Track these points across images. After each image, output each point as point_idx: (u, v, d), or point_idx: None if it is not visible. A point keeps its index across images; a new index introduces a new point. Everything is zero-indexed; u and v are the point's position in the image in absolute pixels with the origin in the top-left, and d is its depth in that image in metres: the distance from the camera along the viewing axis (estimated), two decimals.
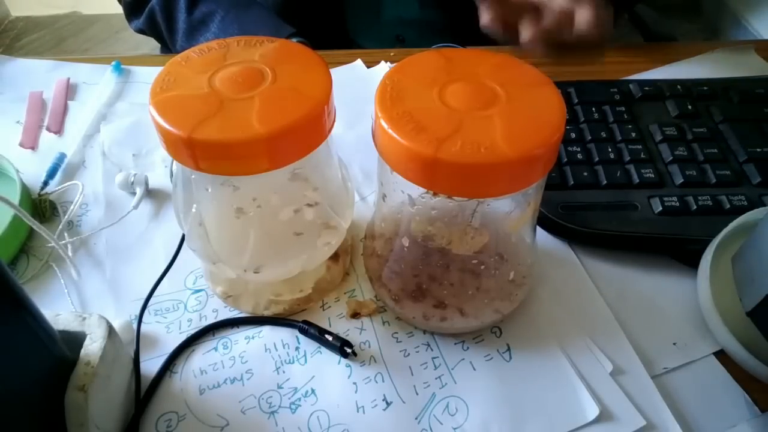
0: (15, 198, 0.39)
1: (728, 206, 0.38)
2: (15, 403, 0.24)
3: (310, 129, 0.27)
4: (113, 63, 0.53)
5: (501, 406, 0.31)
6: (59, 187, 0.42)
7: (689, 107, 0.45)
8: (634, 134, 0.43)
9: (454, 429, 0.30)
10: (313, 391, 0.32)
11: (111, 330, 0.28)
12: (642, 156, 0.41)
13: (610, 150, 0.41)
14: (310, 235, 0.32)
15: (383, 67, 0.53)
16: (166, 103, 0.26)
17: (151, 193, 0.43)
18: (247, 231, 0.32)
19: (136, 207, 0.41)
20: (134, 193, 0.42)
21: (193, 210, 0.31)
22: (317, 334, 0.33)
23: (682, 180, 0.39)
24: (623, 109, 0.45)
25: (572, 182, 0.39)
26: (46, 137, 0.47)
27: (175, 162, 0.28)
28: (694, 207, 0.38)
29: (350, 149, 0.45)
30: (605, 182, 0.39)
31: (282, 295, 0.35)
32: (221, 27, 0.55)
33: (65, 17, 1.99)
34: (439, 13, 0.64)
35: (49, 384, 0.25)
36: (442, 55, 0.29)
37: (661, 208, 0.38)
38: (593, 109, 0.45)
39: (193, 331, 0.34)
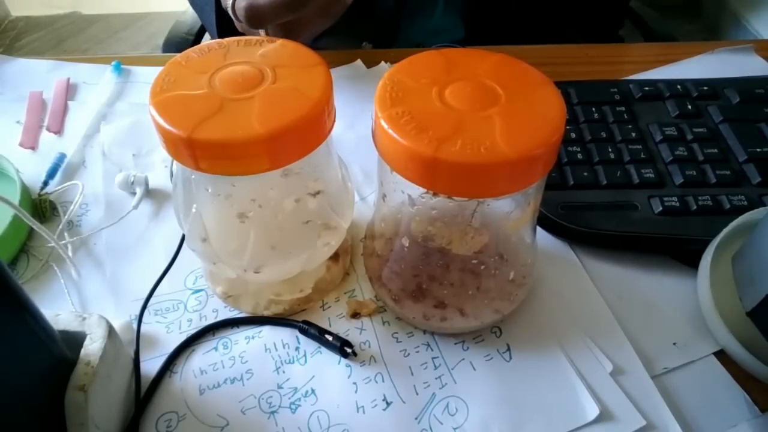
0: (15, 198, 0.39)
1: (728, 206, 0.38)
2: (15, 403, 0.24)
3: (310, 129, 0.27)
4: (113, 63, 0.53)
5: (501, 406, 0.31)
6: (59, 187, 0.42)
7: (689, 107, 0.45)
8: (634, 134, 0.43)
9: (454, 429, 0.30)
10: (313, 391, 0.32)
11: (111, 330, 0.28)
12: (642, 156, 0.41)
13: (610, 150, 0.41)
14: (316, 226, 0.32)
15: (383, 67, 0.53)
16: (166, 103, 0.26)
17: (151, 193, 0.43)
18: (247, 231, 0.32)
19: (136, 207, 0.41)
20: (134, 193, 0.42)
21: (193, 210, 0.31)
22: (317, 334, 0.33)
23: (682, 180, 0.39)
24: (623, 109, 0.45)
25: (572, 182, 0.39)
26: (46, 137, 0.47)
27: (175, 162, 0.28)
28: (694, 207, 0.38)
29: (350, 149, 0.45)
30: (605, 182, 0.39)
31: (282, 295, 0.35)
32: None
33: (65, 17, 1.99)
34: (460, 22, 0.64)
35: (49, 384, 0.25)
36: (442, 55, 0.29)
37: (661, 208, 0.38)
38: (593, 109, 0.45)
39: (193, 331, 0.34)
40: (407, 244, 0.32)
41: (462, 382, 0.32)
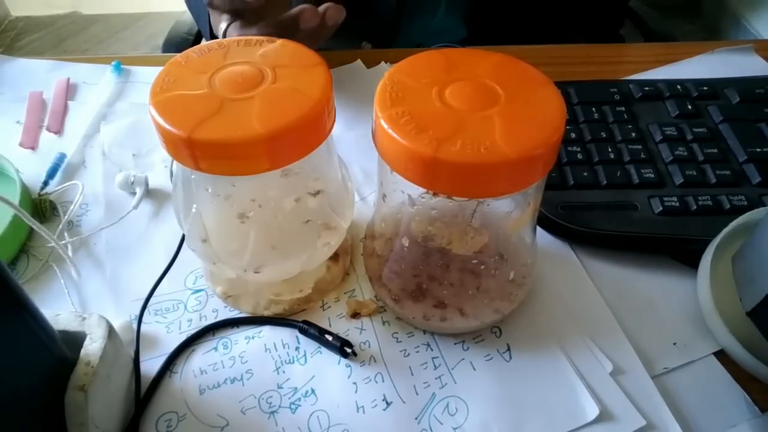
0: (15, 198, 0.39)
1: (728, 206, 0.38)
2: (15, 403, 0.24)
3: (310, 129, 0.27)
4: (113, 63, 0.53)
5: (501, 406, 0.31)
6: (59, 187, 0.42)
7: (689, 107, 0.45)
8: (634, 134, 0.43)
9: (454, 429, 0.30)
10: (313, 391, 0.32)
11: (111, 330, 0.28)
12: (642, 156, 0.41)
13: (610, 150, 0.41)
14: (316, 226, 0.32)
15: (383, 67, 0.53)
16: (166, 103, 0.26)
17: (151, 193, 0.43)
18: (247, 231, 0.32)
19: (136, 207, 0.41)
20: (134, 193, 0.42)
21: (193, 210, 0.31)
22: (317, 334, 0.33)
23: (682, 180, 0.39)
24: (623, 109, 0.45)
25: (572, 182, 0.39)
26: (46, 137, 0.47)
27: (175, 162, 0.28)
28: (694, 207, 0.38)
29: (350, 149, 0.45)
30: (605, 182, 0.39)
31: (282, 295, 0.35)
32: None
33: (65, 17, 1.99)
34: (462, 23, 0.64)
35: (49, 384, 0.25)
36: (442, 55, 0.29)
37: (661, 208, 0.38)
38: (593, 109, 0.45)
39: (193, 331, 0.34)
40: (407, 244, 0.32)
41: (462, 382, 0.32)
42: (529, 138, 0.24)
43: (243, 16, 0.45)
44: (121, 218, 0.40)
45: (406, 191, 0.30)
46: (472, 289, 0.32)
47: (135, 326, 0.34)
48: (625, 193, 0.39)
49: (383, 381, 0.32)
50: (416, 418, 0.31)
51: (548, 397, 0.31)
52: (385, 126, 0.25)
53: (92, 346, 0.27)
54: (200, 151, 0.25)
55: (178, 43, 0.73)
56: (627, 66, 0.54)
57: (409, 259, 0.33)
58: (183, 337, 0.34)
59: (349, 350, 0.33)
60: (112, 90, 0.51)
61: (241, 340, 0.34)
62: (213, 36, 0.54)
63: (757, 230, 0.31)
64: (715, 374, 0.33)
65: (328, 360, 0.33)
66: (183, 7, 0.73)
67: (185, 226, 0.32)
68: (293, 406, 0.31)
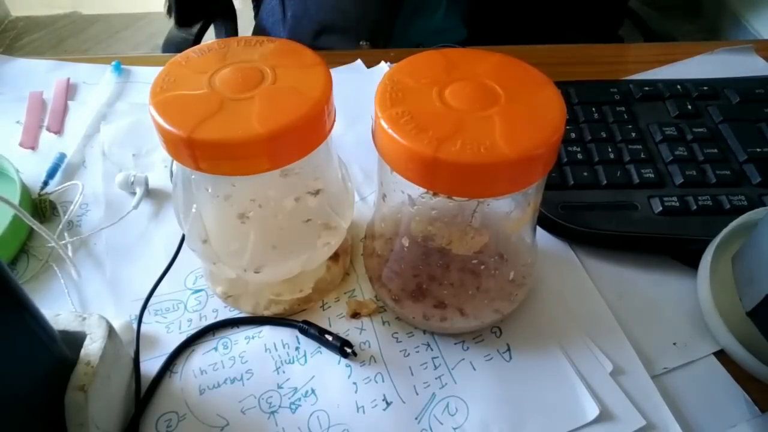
0: (15, 198, 0.39)
1: (728, 206, 0.38)
2: (15, 403, 0.24)
3: (310, 129, 0.27)
4: (113, 63, 0.53)
5: (501, 406, 0.31)
6: (59, 187, 0.42)
7: (689, 107, 0.45)
8: (634, 134, 0.43)
9: (454, 429, 0.30)
10: (313, 391, 0.32)
11: (111, 330, 0.28)
12: (642, 156, 0.41)
13: (610, 150, 0.41)
14: (316, 225, 0.32)
15: (383, 67, 0.53)
16: (166, 103, 0.26)
17: (151, 193, 0.43)
18: (247, 231, 0.32)
19: (136, 207, 0.41)
20: (134, 193, 0.42)
21: (193, 210, 0.31)
22: (317, 334, 0.33)
23: (682, 180, 0.39)
24: (623, 109, 0.45)
25: (572, 182, 0.39)
26: (46, 137, 0.47)
27: (175, 162, 0.28)
28: (694, 207, 0.38)
29: (350, 149, 0.45)
30: (605, 182, 0.39)
31: (282, 295, 0.35)
32: None
33: (65, 17, 1.99)
34: (462, 23, 0.64)
35: (49, 384, 0.25)
36: (442, 55, 0.29)
37: (661, 208, 0.38)
38: (593, 109, 0.45)
39: (193, 331, 0.34)
40: (407, 244, 0.32)
41: (462, 382, 0.32)
42: (529, 138, 0.24)
43: None
44: (121, 218, 0.40)
45: (406, 191, 0.30)
46: (472, 289, 0.32)
47: (135, 326, 0.34)
48: (625, 193, 0.39)
49: (383, 381, 0.32)
50: (416, 418, 0.31)
51: (548, 397, 0.31)
52: (385, 126, 0.25)
53: (92, 346, 0.27)
54: (200, 151, 0.25)
55: (178, 43, 0.73)
56: (627, 66, 0.54)
57: (409, 259, 0.33)
58: (183, 337, 0.34)
59: (349, 350, 0.33)
60: (112, 90, 0.51)
61: (241, 340, 0.34)
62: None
63: (757, 230, 0.31)
64: (715, 374, 0.33)
65: (328, 360, 0.33)
66: None
67: (185, 227, 0.32)
68: (293, 406, 0.31)
